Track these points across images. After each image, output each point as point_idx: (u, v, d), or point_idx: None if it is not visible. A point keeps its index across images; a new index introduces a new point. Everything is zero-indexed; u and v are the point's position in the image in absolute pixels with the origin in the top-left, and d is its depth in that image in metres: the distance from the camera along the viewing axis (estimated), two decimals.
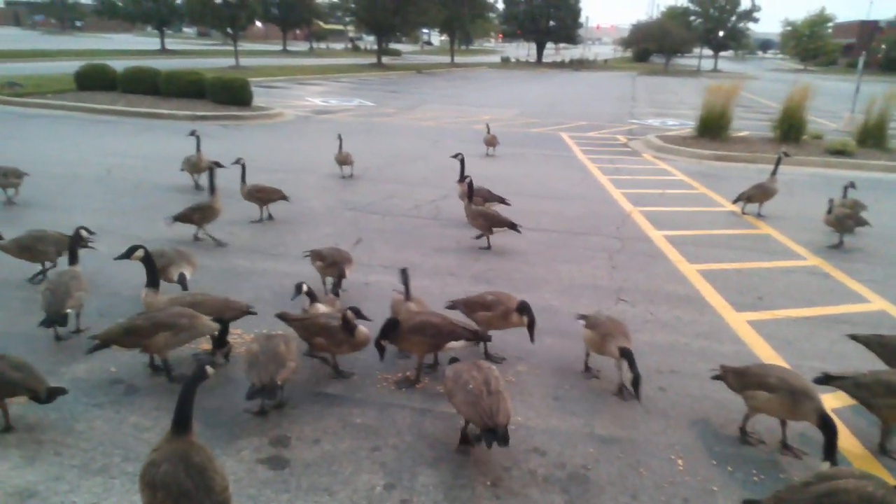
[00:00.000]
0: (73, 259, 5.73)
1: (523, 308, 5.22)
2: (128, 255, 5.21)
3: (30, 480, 3.72)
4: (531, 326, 5.19)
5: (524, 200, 11.14)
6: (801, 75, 54.22)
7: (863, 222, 9.09)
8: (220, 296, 5.44)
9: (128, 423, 4.31)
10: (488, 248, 8.51)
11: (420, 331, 4.85)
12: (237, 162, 9.28)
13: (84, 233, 5.96)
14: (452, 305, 5.67)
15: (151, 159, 12.94)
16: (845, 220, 9.01)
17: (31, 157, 12.23)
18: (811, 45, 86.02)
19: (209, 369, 3.32)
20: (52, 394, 4.13)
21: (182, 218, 7.94)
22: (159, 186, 10.85)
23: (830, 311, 6.89)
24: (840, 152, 16.48)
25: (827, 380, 4.55)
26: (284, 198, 9.26)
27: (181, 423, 3.17)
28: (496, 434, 3.78)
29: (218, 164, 8.59)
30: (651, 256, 8.49)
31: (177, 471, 2.98)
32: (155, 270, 5.27)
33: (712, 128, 18.29)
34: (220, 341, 4.89)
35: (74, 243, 5.83)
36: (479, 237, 8.68)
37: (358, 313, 4.78)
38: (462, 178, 9.62)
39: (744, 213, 10.78)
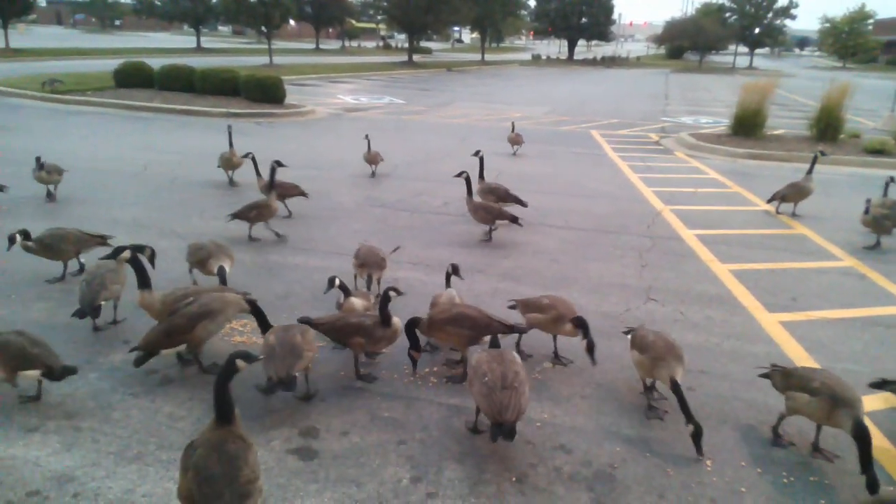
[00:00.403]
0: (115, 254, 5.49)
1: (580, 324, 5.01)
2: (113, 256, 5.12)
3: (68, 466, 3.84)
4: (590, 350, 4.90)
5: (553, 198, 11.12)
6: (839, 73, 52.97)
7: None
8: (215, 286, 5.51)
9: (163, 412, 4.42)
10: (489, 240, 8.70)
11: (457, 322, 4.87)
12: (246, 156, 9.43)
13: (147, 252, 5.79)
14: (513, 305, 5.69)
15: (186, 155, 13.19)
16: (883, 220, 8.80)
17: (71, 153, 12.55)
18: (850, 42, 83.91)
19: (240, 363, 3.32)
20: (65, 372, 4.37)
21: (239, 215, 8.03)
22: (194, 182, 11.06)
23: (866, 312, 6.75)
24: (879, 151, 16.10)
25: (884, 384, 4.57)
26: (303, 194, 9.36)
27: (221, 415, 3.24)
28: (502, 428, 3.83)
29: (279, 164, 8.59)
30: (682, 255, 8.41)
31: (209, 455, 3.06)
32: (145, 272, 5.12)
33: (747, 126, 18.00)
34: (264, 325, 4.88)
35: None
36: (487, 233, 8.85)
37: (396, 291, 4.90)
38: (481, 175, 9.64)
39: (778, 212, 10.61)
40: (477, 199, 8.92)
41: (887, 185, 9.44)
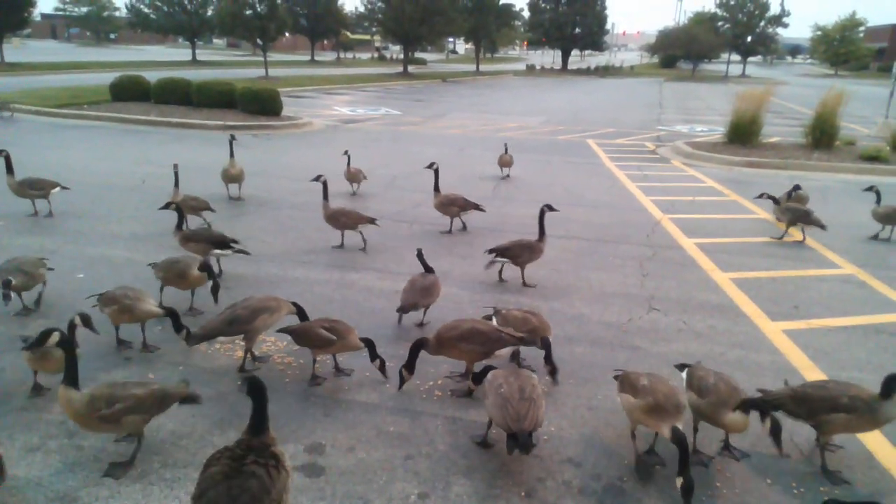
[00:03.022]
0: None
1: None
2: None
3: (71, 486, 3.79)
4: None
5: None
6: (831, 80, 53.29)
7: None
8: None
9: (165, 429, 4.37)
10: (341, 246, 8.57)
11: (468, 339, 4.85)
12: (175, 168, 9.23)
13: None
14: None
15: (184, 168, 13.07)
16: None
17: (68, 167, 12.53)
18: (842, 49, 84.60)
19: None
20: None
21: (502, 253, 7.39)
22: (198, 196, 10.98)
23: (868, 320, 6.75)
24: (874, 158, 16.16)
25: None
26: (209, 208, 9.13)
27: (253, 426, 3.28)
28: (518, 440, 3.79)
29: (550, 208, 7.56)
30: (683, 265, 8.40)
31: (218, 478, 2.97)
32: (75, 363, 3.89)
33: (743, 134, 18.07)
34: (374, 355, 5.01)
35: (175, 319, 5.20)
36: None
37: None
38: (436, 187, 9.43)
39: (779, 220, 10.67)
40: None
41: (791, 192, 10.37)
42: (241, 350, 5.51)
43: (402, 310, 6.01)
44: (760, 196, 10.10)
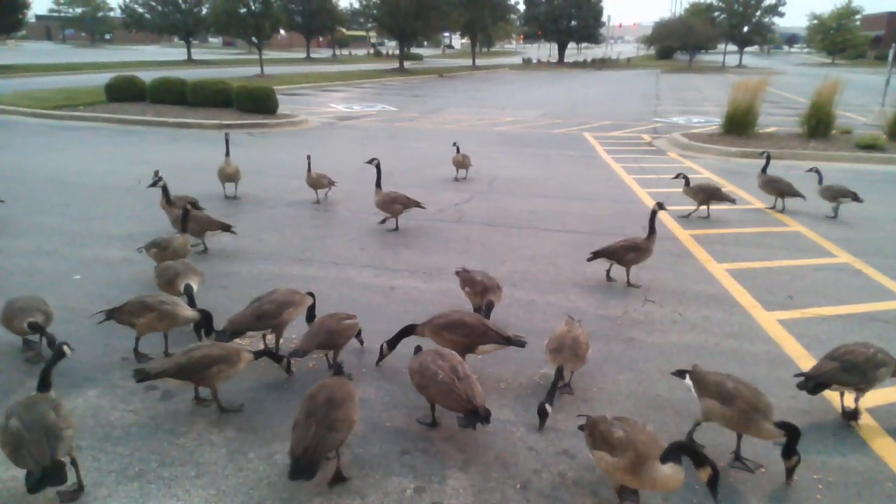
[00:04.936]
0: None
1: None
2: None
3: (69, 485, 3.80)
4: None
5: (549, 201, 11.13)
6: (828, 69, 53.24)
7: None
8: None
9: (163, 428, 4.40)
10: (205, 250, 8.13)
11: (453, 329, 4.93)
12: (156, 178, 8.93)
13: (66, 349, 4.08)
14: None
15: (180, 168, 13.15)
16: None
17: (64, 169, 12.55)
18: (839, 38, 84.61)
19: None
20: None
21: (606, 254, 7.39)
22: (189, 195, 11.00)
23: (862, 308, 6.77)
24: (870, 147, 16.16)
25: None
26: (197, 206, 8.73)
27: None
28: (478, 415, 3.99)
29: (661, 206, 7.44)
30: (678, 256, 8.42)
31: (316, 393, 3.87)
32: None
33: (739, 124, 18.06)
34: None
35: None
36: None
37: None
38: (378, 184, 9.14)
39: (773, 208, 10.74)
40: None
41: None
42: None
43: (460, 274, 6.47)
44: (676, 177, 10.46)
